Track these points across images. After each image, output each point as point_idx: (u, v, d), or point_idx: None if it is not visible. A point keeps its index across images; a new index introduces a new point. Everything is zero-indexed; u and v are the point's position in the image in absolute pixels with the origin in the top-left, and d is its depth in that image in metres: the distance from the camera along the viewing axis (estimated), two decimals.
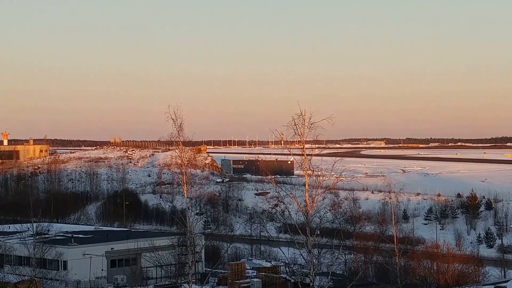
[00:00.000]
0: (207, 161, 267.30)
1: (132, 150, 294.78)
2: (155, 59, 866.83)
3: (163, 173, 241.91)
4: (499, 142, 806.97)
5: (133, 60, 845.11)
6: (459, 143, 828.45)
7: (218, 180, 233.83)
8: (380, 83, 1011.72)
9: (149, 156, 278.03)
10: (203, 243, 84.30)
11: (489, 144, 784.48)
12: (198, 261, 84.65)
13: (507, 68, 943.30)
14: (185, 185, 59.32)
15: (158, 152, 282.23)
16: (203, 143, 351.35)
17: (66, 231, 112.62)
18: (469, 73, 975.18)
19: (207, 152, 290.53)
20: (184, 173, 59.34)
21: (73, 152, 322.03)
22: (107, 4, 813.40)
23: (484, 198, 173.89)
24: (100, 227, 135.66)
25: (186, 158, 62.16)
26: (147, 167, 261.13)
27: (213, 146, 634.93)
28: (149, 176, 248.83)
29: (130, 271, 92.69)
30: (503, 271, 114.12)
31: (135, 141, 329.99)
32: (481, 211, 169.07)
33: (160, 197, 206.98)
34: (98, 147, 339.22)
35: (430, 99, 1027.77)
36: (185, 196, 60.29)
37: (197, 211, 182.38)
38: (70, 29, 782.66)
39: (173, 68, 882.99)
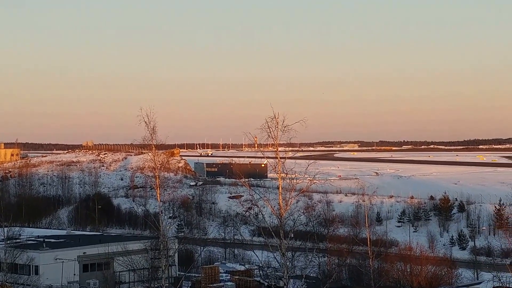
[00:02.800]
0: (180, 165, 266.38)
1: (104, 154, 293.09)
2: (127, 62, 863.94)
3: (136, 177, 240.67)
4: (471, 145, 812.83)
5: (104, 62, 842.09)
6: (432, 146, 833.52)
7: (192, 183, 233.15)
8: (353, 86, 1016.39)
9: (122, 160, 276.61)
10: (177, 247, 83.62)
11: (461, 147, 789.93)
12: (172, 265, 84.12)
13: (478, 71, 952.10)
14: (158, 188, 59.01)
15: (131, 155, 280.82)
16: (176, 146, 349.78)
17: (38, 236, 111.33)
18: (441, 77, 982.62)
19: (180, 156, 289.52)
20: (157, 176, 59.04)
21: (44, 156, 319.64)
22: (76, 4, 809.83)
23: (456, 200, 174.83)
24: (72, 232, 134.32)
25: (159, 161, 61.85)
26: (120, 171, 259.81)
27: (187, 149, 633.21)
28: (122, 179, 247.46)
29: (103, 275, 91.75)
30: (475, 273, 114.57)
31: (107, 144, 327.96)
32: (454, 214, 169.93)
33: (133, 201, 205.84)
34: (70, 150, 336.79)
35: (403, 102, 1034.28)
36: (158, 199, 60.00)
37: (170, 215, 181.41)
38: (38, 31, 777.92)
39: (146, 70, 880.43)
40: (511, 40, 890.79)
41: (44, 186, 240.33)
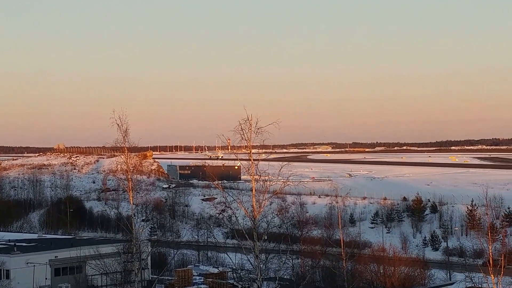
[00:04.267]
0: (153, 167, 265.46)
1: (76, 157, 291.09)
2: (98, 63, 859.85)
3: (108, 180, 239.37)
4: (443, 146, 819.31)
5: (75, 64, 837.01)
6: (405, 147, 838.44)
7: (165, 186, 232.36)
8: (326, 88, 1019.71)
9: (94, 163, 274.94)
10: (149, 250, 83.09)
11: (433, 148, 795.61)
12: (144, 268, 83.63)
13: (448, 74, 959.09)
14: (130, 191, 58.58)
15: (103, 158, 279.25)
16: (149, 149, 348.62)
17: (9, 240, 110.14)
18: (412, 79, 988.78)
19: (153, 158, 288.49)
20: (129, 179, 58.61)
21: (15, 159, 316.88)
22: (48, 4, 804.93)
23: (429, 201, 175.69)
24: (43, 235, 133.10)
25: (132, 164, 61.44)
26: (92, 174, 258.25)
27: (159, 151, 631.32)
28: (94, 182, 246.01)
29: (75, 279, 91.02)
30: (448, 274, 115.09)
31: (79, 147, 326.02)
32: (427, 214, 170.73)
33: (105, 204, 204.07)
34: (41, 153, 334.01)
35: (376, 103, 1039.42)
36: (131, 202, 59.50)
37: (143, 218, 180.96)
38: (3, 31, 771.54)
39: (118, 72, 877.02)
40: (478, 43, 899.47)
41: (15, 189, 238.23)
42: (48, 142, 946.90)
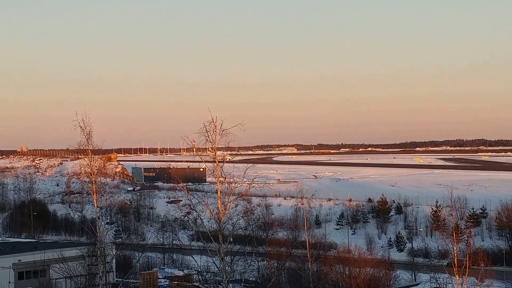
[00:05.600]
0: (117, 170, 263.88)
1: (39, 159, 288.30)
2: (62, 63, 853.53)
3: (72, 182, 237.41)
4: (408, 147, 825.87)
5: (38, 64, 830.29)
6: (370, 148, 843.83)
7: (129, 188, 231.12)
8: (290, 89, 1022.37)
9: (58, 165, 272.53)
10: (114, 253, 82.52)
11: (398, 149, 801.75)
12: (109, 271, 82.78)
13: (413, 76, 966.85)
14: (94, 194, 58.08)
15: (67, 161, 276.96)
16: (114, 151, 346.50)
17: None
18: (377, 80, 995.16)
19: (117, 161, 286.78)
20: (93, 182, 58.11)
21: None
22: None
23: (394, 202, 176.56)
24: (6, 239, 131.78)
25: (96, 166, 60.85)
26: (56, 176, 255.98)
27: (124, 154, 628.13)
28: (58, 185, 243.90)
29: (39, 283, 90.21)
30: (413, 274, 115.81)
31: (43, 150, 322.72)
32: (392, 215, 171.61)
33: (69, 207, 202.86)
34: (4, 156, 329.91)
35: (340, 105, 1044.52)
36: (95, 205, 59.04)
37: (108, 221, 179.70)
38: None
39: (82, 73, 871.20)
40: (441, 45, 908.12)
41: None
42: (11, 145, 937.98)
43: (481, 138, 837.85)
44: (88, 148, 56.79)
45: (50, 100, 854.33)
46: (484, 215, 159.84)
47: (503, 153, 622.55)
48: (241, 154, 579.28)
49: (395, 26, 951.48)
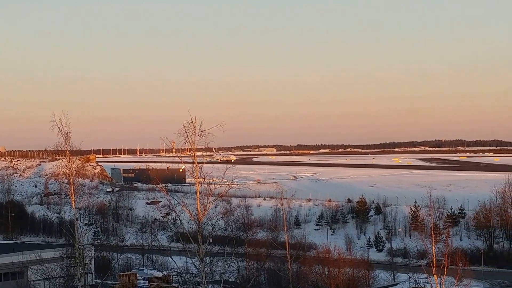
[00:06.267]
0: (96, 170, 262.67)
1: (17, 160, 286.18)
2: (39, 63, 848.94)
3: (50, 184, 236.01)
4: (387, 147, 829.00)
5: (16, 65, 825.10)
6: (349, 149, 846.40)
7: (108, 189, 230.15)
8: (270, 90, 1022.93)
9: (36, 166, 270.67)
10: (93, 254, 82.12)
11: (377, 150, 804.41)
12: (88, 273, 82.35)
13: (391, 77, 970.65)
14: (73, 195, 57.73)
15: (45, 162, 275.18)
16: (92, 152, 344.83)
17: None
18: (356, 81, 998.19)
19: (96, 161, 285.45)
20: (72, 183, 57.74)
21: None
22: None
23: (373, 202, 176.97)
24: None
25: (74, 167, 60.50)
26: (34, 178, 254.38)
27: (103, 155, 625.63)
28: (36, 186, 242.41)
29: (16, 285, 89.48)
30: (392, 274, 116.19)
31: (20, 150, 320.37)
32: (371, 216, 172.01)
33: (48, 208, 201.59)
34: None
35: (320, 106, 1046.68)
36: (73, 206, 58.67)
37: (86, 222, 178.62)
38: None
39: (59, 74, 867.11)
40: (418, 47, 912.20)
41: None
42: None
43: (459, 139, 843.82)
44: (66, 149, 56.40)
45: (28, 100, 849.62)
46: (463, 215, 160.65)
47: (481, 154, 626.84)
48: (221, 155, 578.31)
49: (374, 30, 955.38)
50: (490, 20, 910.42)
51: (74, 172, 60.00)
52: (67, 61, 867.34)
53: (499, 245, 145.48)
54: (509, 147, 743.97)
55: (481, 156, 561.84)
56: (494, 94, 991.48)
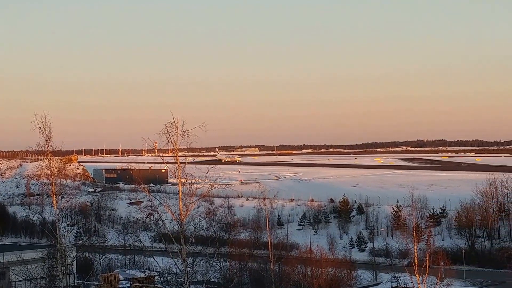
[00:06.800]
0: (78, 171, 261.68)
1: None
2: (20, 64, 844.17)
3: (32, 184, 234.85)
4: (369, 148, 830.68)
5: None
6: (331, 149, 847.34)
7: (90, 190, 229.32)
8: (253, 90, 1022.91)
9: (17, 167, 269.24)
10: (75, 255, 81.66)
11: (359, 150, 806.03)
12: (70, 274, 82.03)
13: (374, 77, 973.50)
14: (54, 195, 57.39)
15: (27, 162, 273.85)
16: (74, 153, 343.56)
17: None
18: (338, 82, 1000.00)
19: (78, 162, 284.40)
20: (53, 183, 57.41)
21: None
22: None
23: (355, 202, 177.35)
24: None
25: (56, 168, 60.18)
26: (15, 178, 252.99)
27: (85, 155, 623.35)
28: (17, 187, 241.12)
29: None
30: (374, 274, 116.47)
31: (2, 151, 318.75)
32: (353, 216, 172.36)
33: (29, 209, 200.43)
34: None
35: (303, 106, 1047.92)
36: (55, 207, 58.32)
37: (68, 222, 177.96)
38: None
39: (41, 74, 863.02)
40: (402, 47, 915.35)
41: None
42: None
43: (441, 139, 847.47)
44: (47, 149, 56.10)
45: (10, 101, 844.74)
46: (444, 215, 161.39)
47: (462, 154, 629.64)
48: (203, 155, 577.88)
49: (352, 30, 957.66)
50: (469, 20, 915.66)
51: (56, 172, 59.68)
52: (50, 61, 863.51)
53: (480, 245, 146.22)
54: (490, 147, 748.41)
55: (462, 156, 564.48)
56: (475, 94, 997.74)
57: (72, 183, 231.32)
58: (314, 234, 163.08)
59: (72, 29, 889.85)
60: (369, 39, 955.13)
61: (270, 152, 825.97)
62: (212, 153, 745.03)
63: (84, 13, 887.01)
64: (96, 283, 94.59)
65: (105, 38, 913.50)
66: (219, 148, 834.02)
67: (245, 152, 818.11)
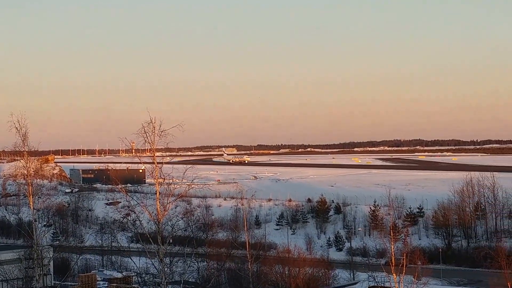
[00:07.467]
0: (55, 171, 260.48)
1: None
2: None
3: (9, 184, 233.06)
4: (346, 147, 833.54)
5: None
6: (309, 149, 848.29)
7: (67, 190, 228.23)
8: (230, 90, 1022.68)
9: None
10: (52, 256, 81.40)
11: (337, 150, 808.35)
12: (47, 274, 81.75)
13: (350, 78, 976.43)
14: (31, 196, 57.23)
15: (3, 162, 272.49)
16: (51, 153, 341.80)
17: None
18: (316, 82, 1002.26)
19: (55, 162, 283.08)
20: (30, 184, 57.26)
21: None
22: None
23: (333, 202, 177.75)
24: None
25: (32, 168, 59.98)
26: None
27: (62, 155, 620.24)
28: None
29: None
30: (352, 274, 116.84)
31: None
32: (331, 215, 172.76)
33: (5, 209, 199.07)
34: None
35: (280, 106, 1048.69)
36: (32, 207, 58.16)
37: (45, 223, 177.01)
38: None
39: (17, 75, 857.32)
40: (378, 50, 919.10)
41: None
42: None
43: (418, 139, 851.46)
44: (24, 149, 55.94)
45: None
46: (421, 214, 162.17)
47: (439, 153, 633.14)
48: (180, 155, 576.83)
49: (342, 31, 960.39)
50: (443, 21, 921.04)
51: (33, 173, 59.52)
52: (24, 62, 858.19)
53: (457, 244, 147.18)
54: (467, 147, 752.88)
55: (439, 156, 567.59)
56: (452, 95, 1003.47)
57: (49, 183, 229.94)
58: (292, 234, 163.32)
59: (40, 29, 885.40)
60: (338, 39, 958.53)
61: (248, 152, 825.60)
62: (189, 153, 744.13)
63: (64, 14, 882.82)
64: (73, 283, 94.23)
65: (80, 40, 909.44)
66: (197, 148, 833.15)
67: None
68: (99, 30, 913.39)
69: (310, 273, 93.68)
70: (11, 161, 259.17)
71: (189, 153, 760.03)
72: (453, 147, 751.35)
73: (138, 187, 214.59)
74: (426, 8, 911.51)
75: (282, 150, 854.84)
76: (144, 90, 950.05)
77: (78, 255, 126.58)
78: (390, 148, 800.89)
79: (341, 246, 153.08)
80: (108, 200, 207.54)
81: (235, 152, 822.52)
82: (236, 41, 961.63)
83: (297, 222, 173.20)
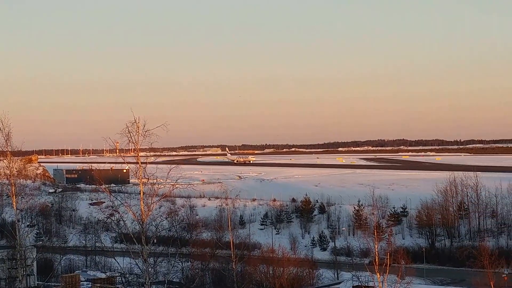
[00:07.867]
0: (38, 171, 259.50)
1: None
2: None
3: None
4: (331, 147, 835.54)
5: None
6: (293, 149, 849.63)
7: (51, 190, 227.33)
8: (216, 90, 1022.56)
9: None
10: (35, 256, 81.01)
11: (321, 149, 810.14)
12: (30, 275, 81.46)
13: (335, 78, 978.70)
14: (14, 196, 56.93)
15: None
16: (34, 153, 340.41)
17: None
18: (301, 82, 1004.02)
19: (38, 162, 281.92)
20: (13, 184, 56.96)
21: None
22: None
23: (317, 202, 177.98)
24: None
25: (16, 168, 59.75)
26: None
27: (45, 155, 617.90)
28: None
29: None
30: (336, 273, 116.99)
31: None
32: (315, 215, 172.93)
33: None
34: None
35: (265, 105, 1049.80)
36: (15, 208, 57.90)
37: (28, 223, 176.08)
38: None
39: (3, 73, 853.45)
40: (368, 49, 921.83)
41: None
42: None
43: (401, 138, 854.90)
44: (7, 149, 55.64)
45: None
46: (405, 214, 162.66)
47: (422, 153, 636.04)
48: (164, 155, 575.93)
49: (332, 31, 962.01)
50: (428, 19, 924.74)
51: (16, 173, 59.32)
52: (11, 60, 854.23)
53: (440, 243, 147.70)
54: (450, 147, 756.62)
55: (423, 155, 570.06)
56: (435, 94, 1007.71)
57: (32, 183, 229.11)
58: (276, 234, 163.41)
59: (33, 29, 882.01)
60: (322, 38, 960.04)
61: (232, 152, 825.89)
62: (173, 153, 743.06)
63: (52, 12, 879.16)
64: (56, 284, 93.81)
65: (67, 39, 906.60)
66: (181, 148, 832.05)
67: (207, 152, 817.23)
68: (81, 28, 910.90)
69: (294, 273, 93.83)
70: None
71: (174, 153, 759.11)
72: (437, 147, 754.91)
73: (122, 187, 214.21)
74: (408, 6, 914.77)
75: (266, 150, 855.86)
76: (128, 89, 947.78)
77: (61, 256, 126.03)
78: (374, 148, 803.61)
79: (325, 245, 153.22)
80: (92, 200, 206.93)
81: (219, 152, 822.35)
82: (222, 40, 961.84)
83: (282, 222, 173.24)
